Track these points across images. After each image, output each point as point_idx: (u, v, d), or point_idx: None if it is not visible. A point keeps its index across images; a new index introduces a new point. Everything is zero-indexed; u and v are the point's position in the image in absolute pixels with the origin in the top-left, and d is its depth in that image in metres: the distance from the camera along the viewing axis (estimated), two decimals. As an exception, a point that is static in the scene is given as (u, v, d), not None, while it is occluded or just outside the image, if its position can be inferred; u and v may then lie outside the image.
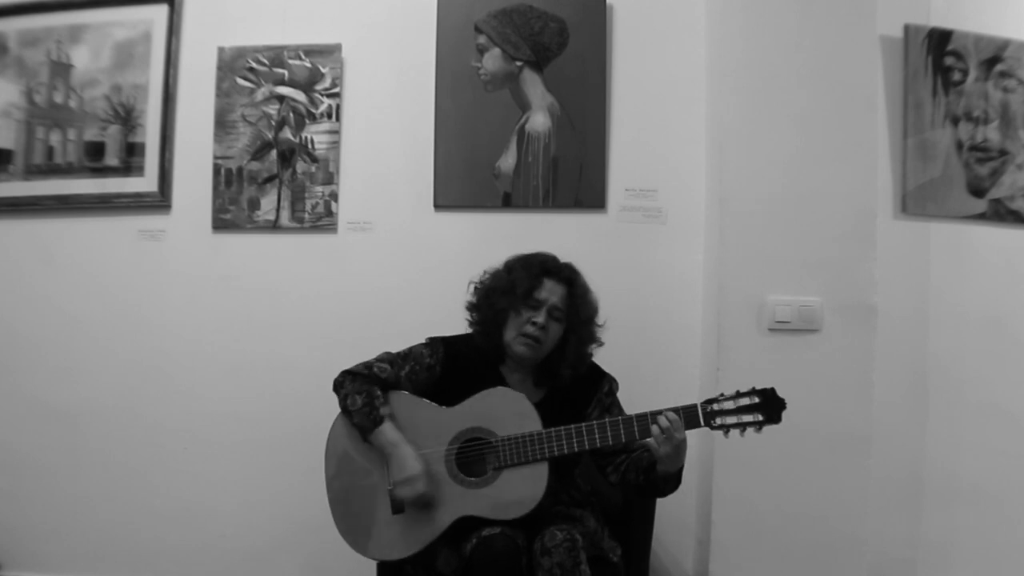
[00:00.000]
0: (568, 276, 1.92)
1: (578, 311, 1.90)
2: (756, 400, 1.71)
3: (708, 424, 1.72)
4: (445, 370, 1.94)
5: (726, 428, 1.72)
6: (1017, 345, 2.46)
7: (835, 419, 2.10)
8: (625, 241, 2.47)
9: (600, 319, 1.96)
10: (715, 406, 1.72)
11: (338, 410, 1.93)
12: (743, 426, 1.71)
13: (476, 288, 1.97)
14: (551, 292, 1.88)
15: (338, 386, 1.91)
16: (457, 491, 1.81)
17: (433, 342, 1.97)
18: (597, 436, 1.76)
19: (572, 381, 1.93)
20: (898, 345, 2.34)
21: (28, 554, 2.57)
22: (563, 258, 1.98)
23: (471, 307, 1.97)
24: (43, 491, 2.59)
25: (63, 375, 2.59)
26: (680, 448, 1.72)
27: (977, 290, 2.45)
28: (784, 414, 1.72)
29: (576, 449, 1.76)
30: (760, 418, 1.71)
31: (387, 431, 1.83)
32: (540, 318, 1.86)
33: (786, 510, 2.13)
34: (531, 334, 1.86)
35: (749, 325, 2.15)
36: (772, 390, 1.72)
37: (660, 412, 1.72)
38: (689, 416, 1.72)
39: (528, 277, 1.89)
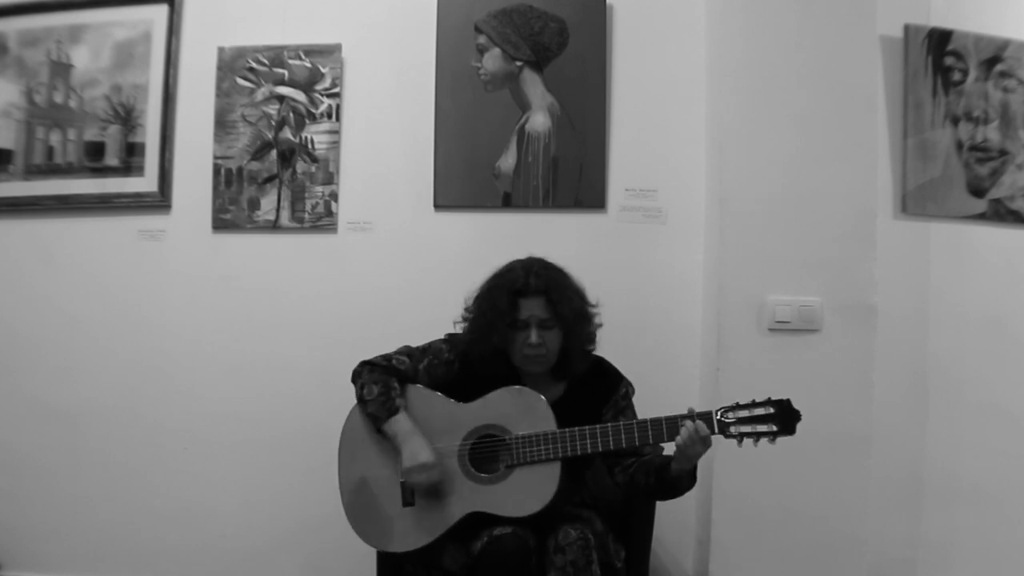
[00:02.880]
0: (541, 286, 1.85)
1: (565, 311, 1.86)
2: (771, 410, 1.71)
3: (722, 432, 1.72)
4: (464, 366, 1.94)
5: (740, 437, 1.71)
6: (1017, 345, 2.46)
7: (835, 419, 2.10)
8: (625, 241, 2.47)
9: (590, 300, 1.94)
10: (730, 415, 1.72)
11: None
12: (757, 436, 1.71)
13: (465, 326, 1.95)
14: (531, 309, 1.84)
15: (356, 376, 1.91)
16: (468, 487, 1.82)
17: (453, 338, 1.98)
18: (611, 439, 1.76)
19: (591, 379, 1.93)
20: (898, 345, 2.34)
21: (28, 554, 2.57)
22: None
23: (470, 345, 1.93)
24: (43, 491, 2.59)
25: (63, 375, 2.59)
26: (704, 451, 1.72)
27: (977, 290, 2.45)
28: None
29: (590, 451, 1.76)
30: (774, 429, 1.70)
31: (401, 421, 1.83)
32: (533, 337, 1.84)
33: (786, 510, 2.13)
34: (532, 354, 1.85)
35: (749, 325, 2.15)
36: (788, 401, 1.71)
37: (676, 420, 1.72)
38: (703, 423, 1.71)
39: (506, 305, 1.85)
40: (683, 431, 1.69)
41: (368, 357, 1.93)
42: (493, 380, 1.87)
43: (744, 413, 1.72)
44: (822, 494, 2.12)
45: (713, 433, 1.71)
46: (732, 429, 1.71)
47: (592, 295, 1.99)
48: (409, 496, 1.83)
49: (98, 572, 2.55)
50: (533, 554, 1.72)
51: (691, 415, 1.71)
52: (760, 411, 1.71)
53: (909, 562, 2.40)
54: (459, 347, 1.95)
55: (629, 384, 1.96)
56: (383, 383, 1.86)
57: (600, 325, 1.95)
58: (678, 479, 1.77)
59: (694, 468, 1.77)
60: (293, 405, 2.49)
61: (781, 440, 1.72)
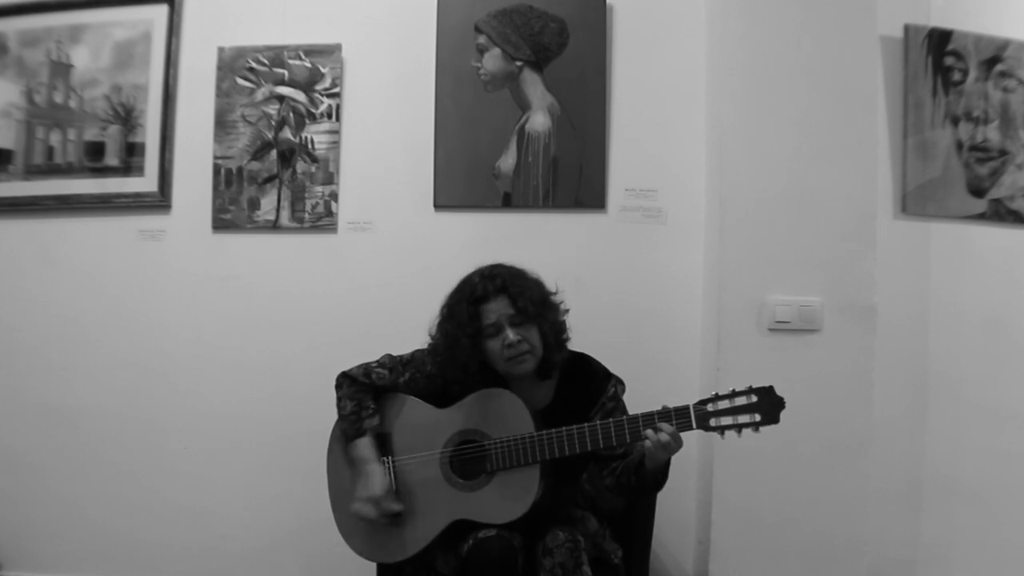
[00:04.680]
0: (498, 286, 1.82)
1: (529, 303, 1.81)
2: (753, 399, 1.63)
3: (701, 427, 1.65)
4: (447, 381, 1.91)
5: (721, 430, 1.64)
6: (1017, 345, 2.46)
7: (835, 419, 2.10)
8: (625, 241, 2.46)
9: (550, 287, 1.92)
10: (709, 407, 1.65)
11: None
12: (739, 427, 1.64)
13: (435, 354, 1.91)
14: (496, 310, 1.80)
15: (337, 387, 1.93)
16: (451, 494, 1.81)
17: (435, 351, 1.93)
18: (588, 439, 1.72)
19: (579, 379, 1.91)
20: (898, 345, 2.34)
21: (28, 554, 2.57)
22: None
23: (448, 374, 1.88)
24: (43, 491, 2.59)
25: (63, 375, 2.59)
26: (673, 453, 1.69)
27: (977, 290, 2.45)
28: (783, 414, 1.65)
29: (567, 453, 1.73)
30: (757, 418, 1.63)
31: (362, 446, 1.84)
32: (511, 336, 1.79)
33: (786, 510, 2.12)
34: (515, 354, 1.80)
35: (749, 325, 2.15)
36: (770, 388, 1.65)
37: (653, 417, 1.68)
38: (681, 419, 1.66)
39: (468, 318, 1.81)
40: (650, 433, 1.65)
41: (350, 368, 1.93)
42: (478, 388, 1.85)
43: (724, 404, 1.64)
44: (822, 495, 2.11)
45: (692, 428, 1.66)
46: (712, 422, 1.64)
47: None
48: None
49: (98, 572, 2.55)
50: (519, 554, 1.72)
51: (666, 412, 1.66)
52: (741, 400, 1.63)
53: (909, 563, 2.40)
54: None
55: (619, 382, 1.92)
56: (357, 401, 1.87)
57: (567, 310, 1.93)
58: (654, 475, 1.74)
59: (666, 464, 1.74)
60: (293, 405, 2.49)
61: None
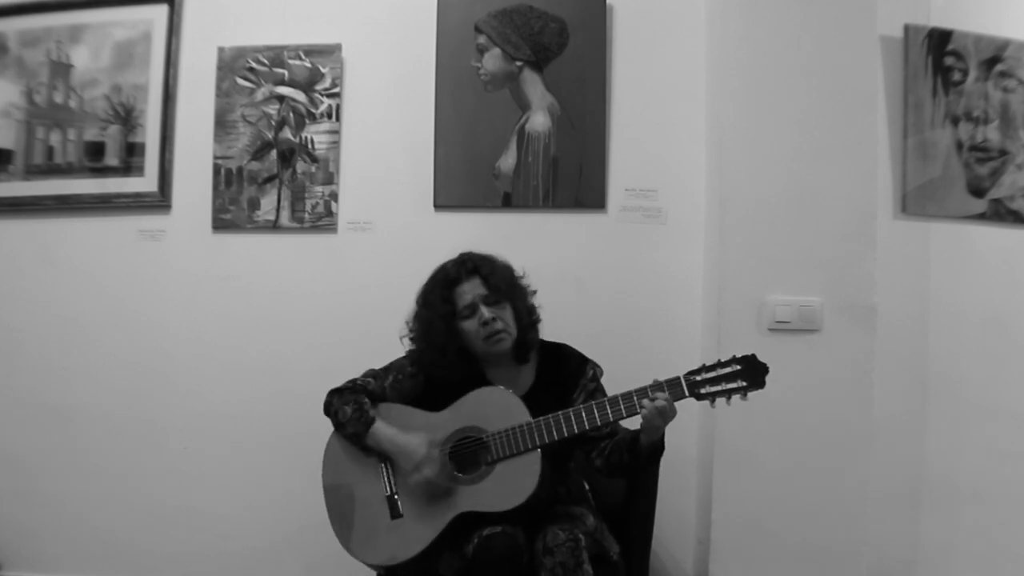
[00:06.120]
0: (469, 268, 1.92)
1: (500, 283, 1.91)
2: (738, 367, 1.71)
3: (693, 395, 1.72)
4: (429, 378, 1.94)
5: (711, 396, 1.72)
6: (1017, 345, 2.46)
7: (835, 419, 2.10)
8: (625, 241, 2.47)
9: (518, 271, 1.99)
10: (698, 376, 1.73)
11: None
12: (728, 393, 1.71)
13: (413, 343, 1.97)
14: (470, 291, 1.89)
15: (327, 407, 1.92)
16: (453, 490, 1.81)
17: (412, 354, 1.98)
18: (585, 419, 1.76)
19: (557, 365, 1.95)
20: (898, 345, 2.34)
21: (28, 554, 2.57)
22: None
23: (426, 360, 1.93)
24: (43, 491, 2.59)
25: (62, 375, 2.59)
26: (669, 420, 1.74)
27: (977, 290, 2.45)
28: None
29: (566, 434, 1.76)
30: (744, 384, 1.71)
31: (380, 429, 1.84)
32: (485, 313, 1.87)
33: (786, 510, 2.13)
34: (492, 331, 1.87)
35: (749, 325, 2.15)
36: (753, 356, 1.72)
37: (646, 390, 1.73)
38: (674, 390, 1.73)
39: (442, 302, 1.90)
40: (646, 402, 1.71)
41: (335, 386, 1.93)
42: (461, 384, 1.87)
43: (711, 374, 1.72)
44: (822, 494, 2.11)
45: (685, 397, 1.72)
46: (702, 390, 1.72)
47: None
48: (397, 508, 1.83)
49: (98, 572, 2.55)
50: (524, 551, 1.72)
51: (659, 384, 1.73)
52: (727, 369, 1.72)
53: (909, 563, 2.40)
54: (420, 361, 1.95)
55: (596, 366, 1.97)
56: (353, 401, 1.87)
57: (535, 292, 2.00)
58: (650, 448, 1.78)
59: (662, 436, 1.79)
60: (293, 405, 2.48)
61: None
